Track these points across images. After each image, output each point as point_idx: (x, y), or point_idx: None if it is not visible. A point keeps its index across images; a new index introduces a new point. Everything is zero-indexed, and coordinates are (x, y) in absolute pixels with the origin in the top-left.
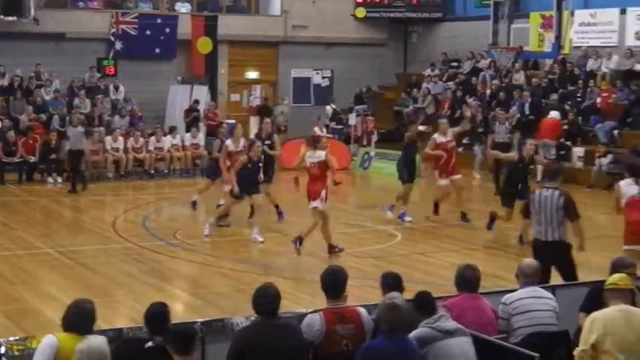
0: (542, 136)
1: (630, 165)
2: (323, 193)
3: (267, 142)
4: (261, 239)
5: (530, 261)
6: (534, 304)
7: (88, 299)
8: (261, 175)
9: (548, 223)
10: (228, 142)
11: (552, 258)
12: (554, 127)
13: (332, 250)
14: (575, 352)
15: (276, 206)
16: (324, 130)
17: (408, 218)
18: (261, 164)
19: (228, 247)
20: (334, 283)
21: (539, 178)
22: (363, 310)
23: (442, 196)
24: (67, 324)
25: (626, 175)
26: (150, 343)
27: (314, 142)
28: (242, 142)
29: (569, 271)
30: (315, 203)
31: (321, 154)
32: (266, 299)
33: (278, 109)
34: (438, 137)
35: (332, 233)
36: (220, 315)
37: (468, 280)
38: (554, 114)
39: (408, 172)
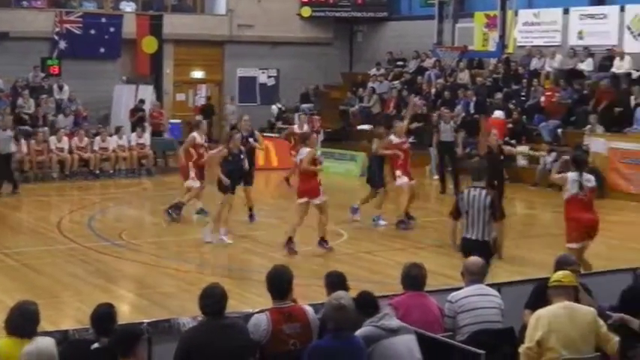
0: None
1: (574, 157)
2: (321, 188)
3: (250, 138)
4: (228, 240)
5: (475, 259)
6: (480, 302)
7: (31, 301)
8: (247, 165)
9: (475, 223)
10: (195, 134)
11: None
12: (500, 126)
13: (289, 246)
14: (521, 349)
15: (250, 209)
16: (305, 126)
17: (383, 222)
18: (243, 156)
19: (173, 247)
20: (279, 282)
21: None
22: (309, 309)
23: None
24: (10, 327)
25: (572, 168)
26: (96, 345)
27: (304, 140)
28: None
29: None
30: (319, 199)
31: (304, 151)
32: (212, 299)
33: (229, 108)
34: (393, 139)
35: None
36: (167, 315)
37: (413, 278)
38: (498, 113)
39: (381, 178)
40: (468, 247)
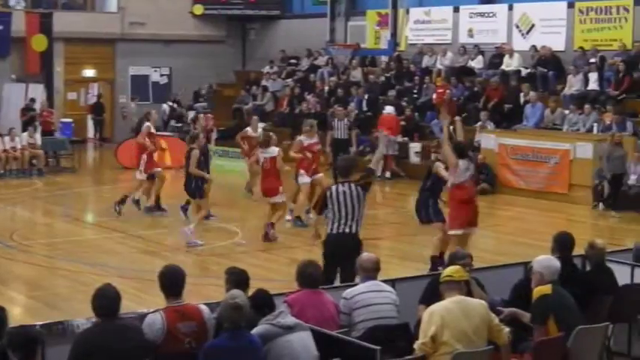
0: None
1: (455, 146)
2: (281, 188)
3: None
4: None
5: (369, 255)
6: (375, 298)
7: None
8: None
9: (348, 217)
10: (149, 124)
11: (345, 251)
12: (392, 122)
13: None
14: (415, 345)
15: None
16: (259, 130)
17: (288, 217)
18: None
19: (66, 248)
20: (172, 281)
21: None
22: (204, 308)
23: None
24: None
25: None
26: None
27: (267, 142)
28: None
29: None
30: (277, 198)
31: (274, 150)
32: (106, 300)
33: (132, 107)
34: (304, 140)
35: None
36: (61, 317)
37: (309, 276)
38: (389, 109)
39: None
40: (337, 242)
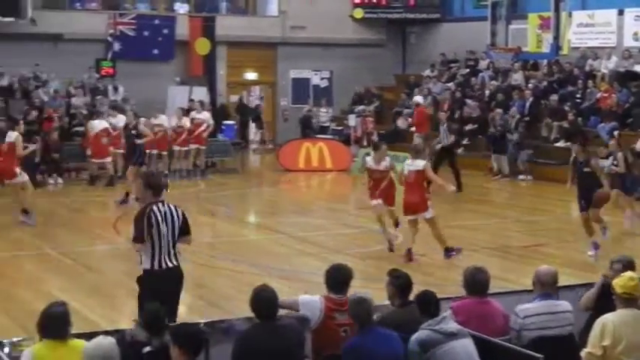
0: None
1: None
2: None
3: None
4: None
5: (548, 268)
6: (550, 322)
7: (60, 302)
8: None
9: (170, 245)
10: None
11: (172, 288)
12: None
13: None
14: (583, 353)
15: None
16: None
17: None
18: None
19: (228, 248)
20: (336, 278)
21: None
22: None
23: None
24: (44, 330)
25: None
26: (148, 348)
27: (416, 152)
28: None
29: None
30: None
31: (419, 164)
32: (264, 303)
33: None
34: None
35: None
36: (222, 316)
37: (478, 283)
38: (418, 99)
39: None
40: (163, 278)
